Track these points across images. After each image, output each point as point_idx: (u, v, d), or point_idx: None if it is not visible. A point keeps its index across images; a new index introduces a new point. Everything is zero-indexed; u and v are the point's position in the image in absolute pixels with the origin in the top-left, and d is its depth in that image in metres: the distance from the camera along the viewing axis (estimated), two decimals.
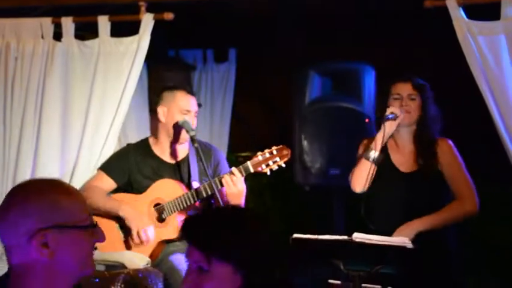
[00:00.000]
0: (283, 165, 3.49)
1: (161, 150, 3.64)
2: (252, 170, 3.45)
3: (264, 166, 3.46)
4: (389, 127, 3.37)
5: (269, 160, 3.46)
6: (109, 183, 3.60)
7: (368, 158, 3.39)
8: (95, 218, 3.69)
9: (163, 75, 4.94)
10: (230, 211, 1.83)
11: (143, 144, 3.69)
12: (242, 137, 5.24)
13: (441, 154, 3.39)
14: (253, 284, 1.70)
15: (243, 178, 3.44)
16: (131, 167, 3.60)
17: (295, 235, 3.01)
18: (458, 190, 3.36)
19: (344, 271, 3.04)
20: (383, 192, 3.44)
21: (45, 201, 1.71)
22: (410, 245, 2.91)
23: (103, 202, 3.53)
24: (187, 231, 1.74)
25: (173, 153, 3.62)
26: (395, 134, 3.46)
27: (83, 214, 1.75)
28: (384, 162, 3.42)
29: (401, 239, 3.01)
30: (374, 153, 3.39)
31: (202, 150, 3.52)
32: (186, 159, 3.63)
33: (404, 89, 3.40)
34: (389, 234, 3.19)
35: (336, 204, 4.37)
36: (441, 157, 3.39)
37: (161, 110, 3.60)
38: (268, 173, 3.48)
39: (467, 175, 3.38)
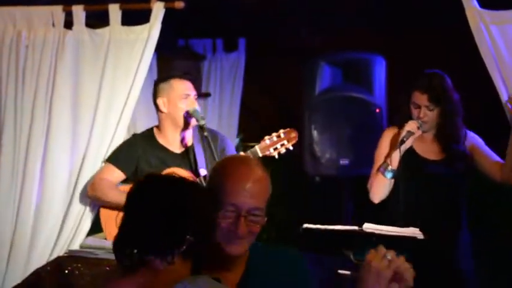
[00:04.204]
0: (291, 148, 3.53)
1: (166, 140, 3.63)
2: (260, 154, 3.48)
3: (272, 150, 3.50)
4: (405, 145, 3.39)
5: (277, 143, 3.50)
6: (118, 175, 3.58)
7: (385, 176, 3.41)
8: (104, 211, 3.67)
9: (172, 64, 4.94)
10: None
11: (149, 135, 3.68)
12: (251, 126, 5.23)
13: (468, 145, 3.43)
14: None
15: None
16: (139, 157, 3.58)
17: (306, 225, 3.01)
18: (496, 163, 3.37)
19: (353, 261, 3.04)
20: (409, 182, 3.44)
21: None
22: (420, 236, 2.91)
23: (113, 195, 3.50)
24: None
25: (179, 143, 3.61)
26: None
27: None
28: (408, 152, 3.43)
29: (411, 229, 3.00)
30: (391, 172, 3.40)
31: (210, 137, 3.54)
32: (191, 147, 3.62)
33: (421, 99, 3.38)
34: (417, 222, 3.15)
35: (345, 194, 4.37)
36: (469, 147, 3.42)
37: (161, 101, 3.59)
38: (276, 156, 3.51)
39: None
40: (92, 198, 3.60)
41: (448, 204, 3.42)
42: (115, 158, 3.60)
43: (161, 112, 3.61)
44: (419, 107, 3.40)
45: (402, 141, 3.37)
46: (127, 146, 3.65)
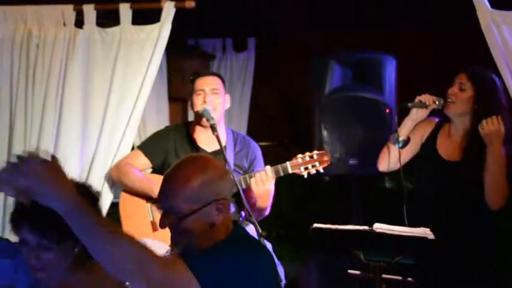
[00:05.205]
0: (322, 170, 3.52)
1: (198, 137, 3.63)
2: (290, 171, 3.47)
3: (302, 169, 3.49)
4: (416, 114, 3.37)
5: (308, 164, 3.50)
6: (144, 162, 3.59)
7: (392, 142, 3.43)
8: (127, 197, 3.66)
9: (182, 64, 4.95)
10: None
11: (183, 128, 3.69)
12: (261, 126, 5.23)
13: None
14: None
15: (273, 179, 3.44)
16: (169, 150, 3.58)
17: (316, 225, 3.01)
18: None
19: (364, 261, 3.04)
20: (423, 178, 3.43)
21: None
22: (431, 236, 2.89)
23: (137, 181, 3.52)
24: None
25: (210, 141, 3.57)
26: (452, 121, 3.41)
27: None
28: (429, 148, 3.41)
29: (422, 229, 2.98)
30: (397, 139, 3.40)
31: (241, 143, 3.58)
32: (224, 148, 3.59)
33: (460, 77, 3.33)
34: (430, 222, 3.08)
35: (354, 193, 4.36)
36: None
37: (189, 101, 3.65)
38: (306, 176, 3.51)
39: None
40: (115, 180, 3.61)
41: (456, 208, 3.30)
42: (145, 147, 3.64)
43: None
44: (454, 84, 3.34)
45: (406, 106, 3.35)
46: (158, 137, 3.67)
